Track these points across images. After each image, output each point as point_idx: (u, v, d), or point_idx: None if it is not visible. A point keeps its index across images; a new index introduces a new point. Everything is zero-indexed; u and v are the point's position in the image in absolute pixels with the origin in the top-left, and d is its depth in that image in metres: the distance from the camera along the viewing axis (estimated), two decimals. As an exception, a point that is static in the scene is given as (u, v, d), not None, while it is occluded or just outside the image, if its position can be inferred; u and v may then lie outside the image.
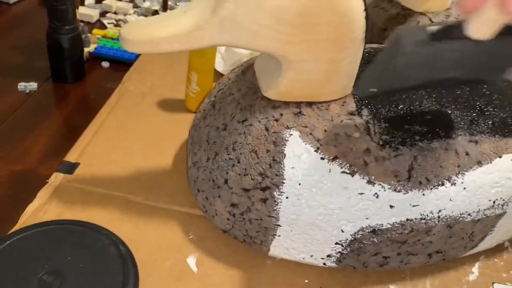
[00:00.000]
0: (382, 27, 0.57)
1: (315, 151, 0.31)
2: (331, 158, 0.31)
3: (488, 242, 0.37)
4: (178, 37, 0.29)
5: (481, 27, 0.23)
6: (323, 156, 0.31)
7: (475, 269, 0.39)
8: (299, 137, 0.31)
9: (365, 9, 0.29)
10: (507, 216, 0.35)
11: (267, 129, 0.32)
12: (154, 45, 0.29)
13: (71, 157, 0.43)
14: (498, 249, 0.40)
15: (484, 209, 0.33)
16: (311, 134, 0.31)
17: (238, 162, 0.32)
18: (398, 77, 0.28)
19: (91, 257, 0.33)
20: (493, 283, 0.38)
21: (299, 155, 0.31)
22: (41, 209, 0.38)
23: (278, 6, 0.28)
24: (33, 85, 0.53)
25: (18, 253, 0.32)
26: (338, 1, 0.28)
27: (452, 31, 0.24)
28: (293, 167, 0.31)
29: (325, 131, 0.31)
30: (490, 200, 0.33)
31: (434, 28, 0.25)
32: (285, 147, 0.31)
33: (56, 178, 0.41)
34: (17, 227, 0.36)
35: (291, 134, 0.31)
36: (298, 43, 0.29)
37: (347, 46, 0.30)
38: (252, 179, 0.32)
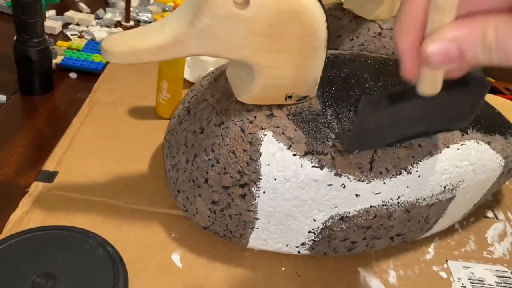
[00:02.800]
0: (336, 34, 0.62)
1: (288, 148, 0.34)
2: (302, 154, 0.34)
3: (441, 224, 0.42)
4: (159, 48, 0.31)
5: (427, 86, 0.26)
6: (295, 153, 0.34)
7: (431, 249, 0.43)
8: (273, 136, 0.34)
9: (326, 20, 0.33)
10: (456, 200, 0.40)
11: (243, 131, 0.35)
12: (136, 56, 0.31)
13: (49, 166, 0.44)
14: (450, 230, 0.45)
15: (437, 194, 0.38)
16: (283, 133, 0.35)
17: (217, 162, 0.35)
18: (373, 137, 0.32)
19: (80, 259, 0.34)
20: (446, 260, 0.42)
21: (273, 153, 0.34)
22: (24, 217, 0.39)
23: (250, 18, 0.31)
24: (1, 98, 0.53)
25: (8, 259, 0.33)
26: (303, 14, 0.31)
27: (407, 93, 0.28)
28: (268, 164, 0.34)
29: (295, 130, 0.35)
30: (441, 186, 0.37)
31: (392, 92, 0.28)
32: (260, 146, 0.34)
33: (37, 187, 0.42)
34: (2, 235, 0.37)
35: (265, 134, 0.34)
36: (268, 52, 0.32)
37: (311, 53, 0.34)
38: (231, 177, 0.35)
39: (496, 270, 0.42)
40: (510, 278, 0.41)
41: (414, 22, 0.24)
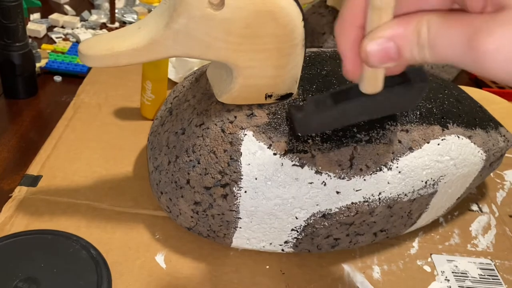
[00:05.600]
0: (321, 32, 0.62)
1: (268, 148, 0.34)
2: (282, 153, 0.34)
3: (425, 219, 0.42)
4: (136, 50, 0.31)
5: (369, 84, 0.26)
6: (275, 152, 0.34)
7: (415, 243, 0.43)
8: (253, 136, 0.35)
9: (303, 19, 0.33)
10: (438, 194, 0.40)
11: (223, 131, 0.35)
12: (114, 59, 0.32)
13: (33, 170, 0.44)
14: (434, 224, 0.45)
15: (418, 189, 0.38)
16: (263, 133, 0.35)
17: (198, 163, 0.35)
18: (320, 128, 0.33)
19: (63, 262, 0.34)
20: (431, 254, 0.43)
21: (254, 153, 0.34)
22: (7, 222, 0.39)
23: (226, 19, 0.31)
24: (-15, 103, 0.53)
25: (-9, 265, 0.33)
26: (279, 14, 0.32)
27: (350, 92, 0.28)
28: (249, 164, 0.34)
29: (276, 129, 0.35)
30: (422, 181, 0.38)
31: (336, 91, 0.29)
32: (241, 146, 0.34)
33: (20, 191, 0.42)
34: (-15, 241, 0.37)
35: (246, 134, 0.35)
36: (246, 52, 0.33)
37: (290, 53, 0.34)
38: (212, 177, 0.35)
39: (480, 263, 0.42)
40: (493, 270, 0.42)
41: (354, 21, 0.24)
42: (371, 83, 0.26)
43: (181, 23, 0.31)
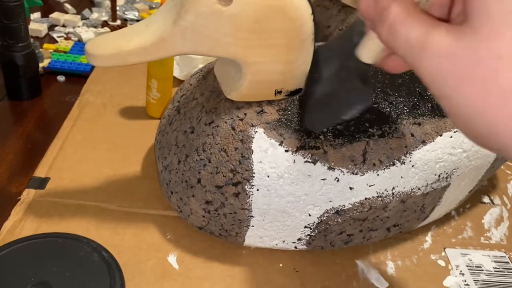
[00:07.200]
0: (325, 25, 0.61)
1: (279, 145, 0.34)
2: (294, 150, 0.34)
3: (438, 213, 0.42)
4: (144, 49, 0.31)
5: (365, 51, 0.27)
6: (287, 149, 0.34)
7: (428, 237, 0.43)
8: (264, 133, 0.34)
9: (313, 13, 0.33)
10: (451, 187, 0.39)
11: (233, 129, 0.34)
12: (121, 58, 0.31)
13: (40, 172, 0.44)
14: (447, 218, 0.45)
15: (431, 183, 0.37)
16: (274, 129, 0.34)
17: (209, 162, 0.35)
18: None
19: (75, 266, 0.34)
20: (444, 248, 0.42)
21: (265, 150, 0.34)
22: (17, 225, 0.38)
23: (235, 15, 0.30)
24: (-11, 105, 0.53)
25: (2, 269, 0.33)
26: (288, 8, 0.31)
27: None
28: (260, 161, 0.34)
29: (287, 125, 0.34)
30: (435, 175, 0.37)
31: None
32: (252, 144, 0.34)
33: (28, 194, 0.41)
34: (-4, 245, 0.36)
35: (256, 131, 0.34)
36: (255, 48, 0.32)
37: (299, 48, 0.33)
38: (224, 176, 0.34)
39: (494, 256, 0.42)
40: (508, 263, 0.41)
41: None
42: (367, 51, 0.27)
43: (189, 20, 0.30)
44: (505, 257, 0.42)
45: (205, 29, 0.31)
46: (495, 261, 0.41)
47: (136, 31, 0.31)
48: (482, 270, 0.40)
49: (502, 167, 0.53)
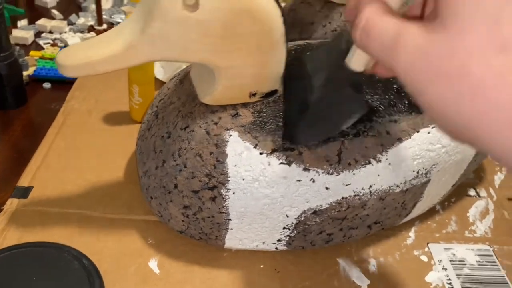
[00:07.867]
0: (309, 21, 0.61)
1: (254, 147, 0.34)
2: (269, 152, 0.34)
3: (420, 208, 0.42)
4: (113, 57, 0.31)
5: (354, 59, 0.27)
6: (261, 151, 0.34)
7: (412, 233, 0.43)
8: (238, 136, 0.34)
9: (282, 15, 0.32)
10: (432, 183, 0.39)
11: (208, 133, 0.35)
12: (91, 67, 0.31)
13: (24, 181, 0.44)
14: (431, 212, 0.45)
15: (410, 180, 0.37)
16: (249, 132, 0.34)
17: (185, 167, 0.35)
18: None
19: (56, 275, 0.34)
20: (427, 243, 0.42)
21: (240, 153, 0.34)
22: (0, 235, 0.39)
23: (202, 21, 0.30)
24: (-26, 115, 0.53)
25: (-17, 281, 0.33)
26: (256, 12, 0.31)
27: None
28: (235, 165, 0.34)
29: (261, 128, 0.34)
30: (414, 171, 0.37)
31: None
32: (226, 148, 0.34)
33: (12, 204, 0.42)
34: (-22, 256, 0.37)
35: (231, 135, 0.34)
36: (226, 52, 0.32)
37: (270, 50, 0.33)
38: (199, 180, 0.34)
39: (478, 249, 0.42)
40: (492, 256, 0.41)
41: None
42: (355, 59, 0.27)
43: (156, 27, 0.30)
44: (489, 250, 0.42)
45: (173, 36, 0.31)
46: (478, 255, 0.41)
47: (106, 40, 0.32)
48: (465, 264, 0.40)
49: (488, 157, 0.53)
